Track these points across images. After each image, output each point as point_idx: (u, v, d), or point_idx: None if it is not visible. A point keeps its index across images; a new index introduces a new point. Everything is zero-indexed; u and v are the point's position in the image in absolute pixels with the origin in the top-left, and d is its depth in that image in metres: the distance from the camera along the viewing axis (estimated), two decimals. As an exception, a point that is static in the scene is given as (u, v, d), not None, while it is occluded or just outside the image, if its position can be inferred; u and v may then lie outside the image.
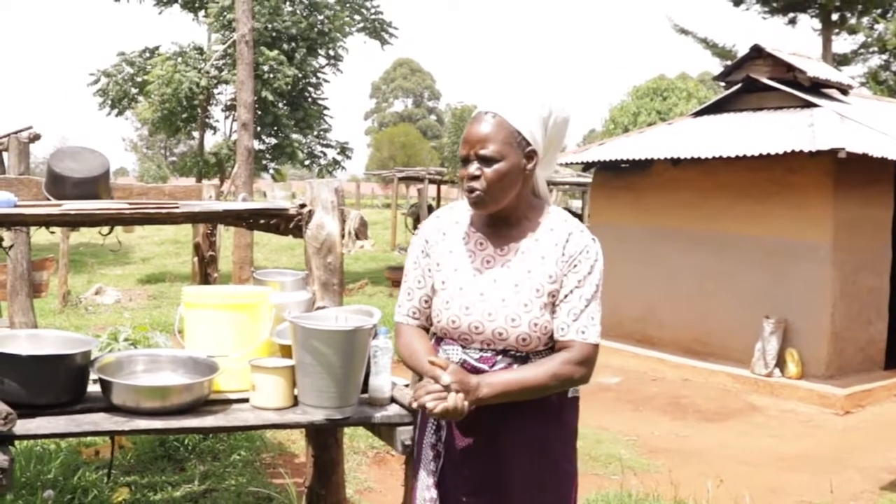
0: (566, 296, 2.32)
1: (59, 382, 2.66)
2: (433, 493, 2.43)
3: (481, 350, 2.36)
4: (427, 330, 2.53)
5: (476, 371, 2.33)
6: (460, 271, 2.41)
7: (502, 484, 2.36)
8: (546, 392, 2.31)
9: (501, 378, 2.28)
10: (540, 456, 2.37)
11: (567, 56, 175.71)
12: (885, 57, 23.61)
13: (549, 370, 2.28)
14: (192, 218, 3.87)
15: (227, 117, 19.86)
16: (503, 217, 2.40)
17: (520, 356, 2.34)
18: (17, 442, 2.54)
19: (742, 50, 14.28)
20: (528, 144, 2.32)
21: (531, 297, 2.32)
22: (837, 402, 7.99)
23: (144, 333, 6.66)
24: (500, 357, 2.34)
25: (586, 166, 11.26)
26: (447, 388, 2.18)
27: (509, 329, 2.31)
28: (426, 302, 2.49)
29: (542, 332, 2.32)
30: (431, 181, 23.34)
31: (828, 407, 7.99)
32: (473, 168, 2.31)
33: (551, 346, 2.36)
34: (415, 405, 2.24)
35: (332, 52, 19.95)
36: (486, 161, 2.29)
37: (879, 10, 22.37)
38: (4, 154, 7.18)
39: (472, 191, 2.32)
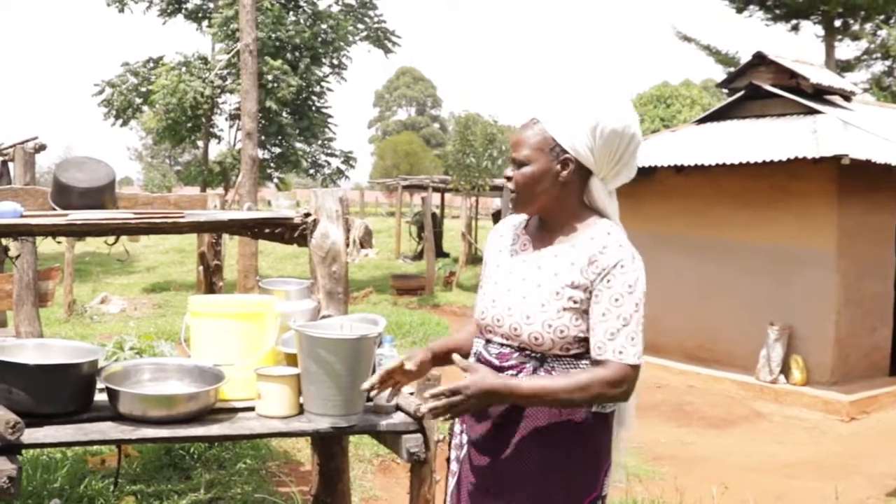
0: (603, 314, 2.30)
1: (67, 391, 2.68)
2: (451, 482, 2.53)
3: (501, 345, 2.40)
4: None
5: (489, 365, 2.38)
6: (501, 268, 2.50)
7: (511, 485, 2.37)
8: (574, 405, 2.32)
9: (527, 383, 2.29)
10: (553, 464, 2.36)
11: (569, 64, 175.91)
12: (888, 63, 23.64)
13: (578, 383, 2.27)
14: (198, 227, 3.88)
15: (231, 126, 19.93)
16: (547, 222, 2.46)
17: (535, 356, 2.35)
18: (24, 451, 2.55)
19: (745, 57, 14.26)
20: (565, 152, 2.36)
21: (549, 299, 2.34)
22: (842, 409, 7.98)
23: (150, 342, 6.69)
24: (516, 354, 2.37)
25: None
26: (453, 392, 2.23)
27: (523, 325, 2.34)
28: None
29: (556, 335, 2.32)
30: (435, 189, 23.34)
31: (833, 413, 7.99)
32: (508, 170, 2.43)
33: (575, 353, 2.36)
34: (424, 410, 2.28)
35: (335, 62, 20.01)
36: (517, 164, 2.40)
37: (882, 17, 22.39)
38: (10, 164, 7.20)
39: (511, 190, 2.45)
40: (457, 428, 2.54)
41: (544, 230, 2.47)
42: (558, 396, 2.27)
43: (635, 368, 2.29)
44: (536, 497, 2.36)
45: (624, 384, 2.28)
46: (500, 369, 2.36)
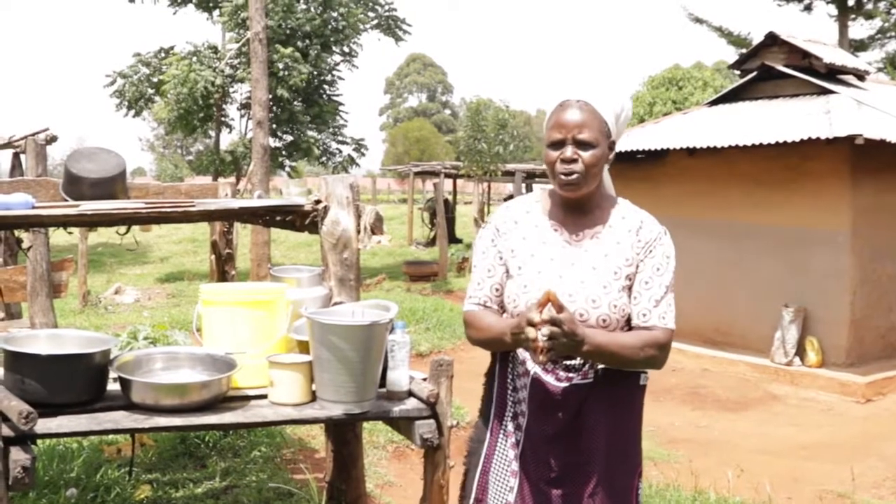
0: (646, 282, 2.39)
1: (79, 381, 2.68)
2: (512, 482, 2.45)
3: None
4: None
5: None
6: (537, 256, 2.45)
7: (582, 471, 2.40)
8: (630, 364, 2.36)
9: (600, 332, 2.31)
10: (615, 442, 2.42)
11: (581, 47, 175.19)
12: (902, 42, 23.41)
13: (642, 341, 2.34)
14: (209, 216, 3.88)
15: (242, 115, 19.92)
16: (579, 205, 2.47)
17: None
18: (39, 441, 2.56)
19: (757, 38, 14.17)
20: (610, 135, 2.43)
21: (609, 280, 2.38)
22: (858, 390, 7.95)
23: (164, 332, 6.71)
24: None
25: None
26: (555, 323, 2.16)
27: (590, 310, 2.35)
28: (497, 290, 2.49)
29: (620, 314, 2.37)
30: (447, 175, 23.32)
31: (848, 395, 7.95)
32: (570, 151, 2.37)
33: (627, 330, 2.41)
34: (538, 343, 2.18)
35: (346, 49, 19.96)
36: (584, 146, 2.36)
37: (896, -5, 22.16)
38: (22, 156, 7.23)
39: (568, 173, 2.37)
40: (510, 426, 2.48)
41: (573, 213, 2.48)
42: (623, 353, 2.32)
43: (672, 334, 2.39)
44: (603, 476, 2.40)
45: (668, 347, 2.38)
46: (556, 361, 2.36)
